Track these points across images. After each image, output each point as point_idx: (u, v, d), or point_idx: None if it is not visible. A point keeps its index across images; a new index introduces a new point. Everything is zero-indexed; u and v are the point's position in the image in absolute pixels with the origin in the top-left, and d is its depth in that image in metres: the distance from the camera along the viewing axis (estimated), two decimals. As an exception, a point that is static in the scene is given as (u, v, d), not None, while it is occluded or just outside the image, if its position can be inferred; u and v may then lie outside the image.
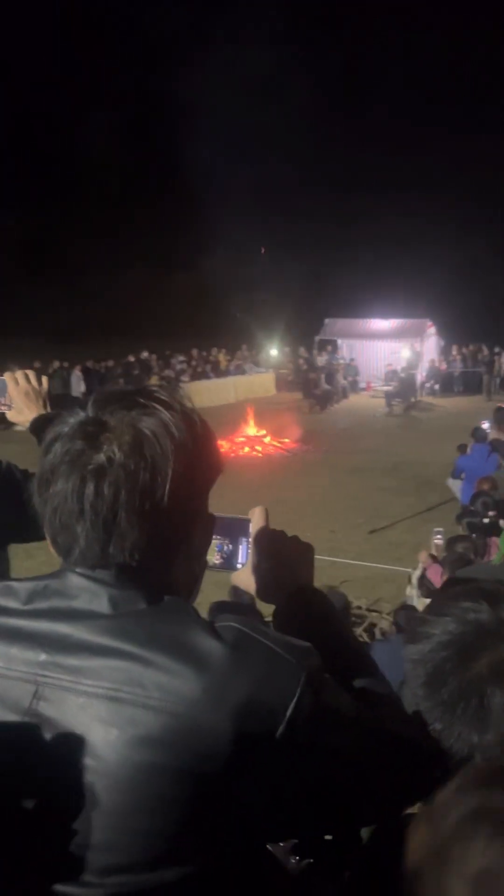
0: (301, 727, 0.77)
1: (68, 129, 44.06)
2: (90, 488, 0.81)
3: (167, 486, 0.82)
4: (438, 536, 6.92)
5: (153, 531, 0.82)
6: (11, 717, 0.79)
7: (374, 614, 6.31)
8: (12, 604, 0.84)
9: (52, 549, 0.88)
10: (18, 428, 1.92)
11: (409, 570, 7.01)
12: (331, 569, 7.48)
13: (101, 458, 0.81)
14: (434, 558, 5.82)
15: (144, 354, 23.19)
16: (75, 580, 0.83)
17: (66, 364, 20.98)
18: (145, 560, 0.83)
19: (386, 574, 7.54)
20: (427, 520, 9.10)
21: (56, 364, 20.81)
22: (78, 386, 20.10)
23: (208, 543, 0.97)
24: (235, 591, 5.07)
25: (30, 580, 0.86)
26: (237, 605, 4.89)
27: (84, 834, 0.74)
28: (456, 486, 9.38)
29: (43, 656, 0.80)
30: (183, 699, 0.74)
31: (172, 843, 0.75)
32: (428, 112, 45.86)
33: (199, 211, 37.60)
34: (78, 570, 0.84)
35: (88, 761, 0.75)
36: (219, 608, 3.65)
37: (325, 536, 8.59)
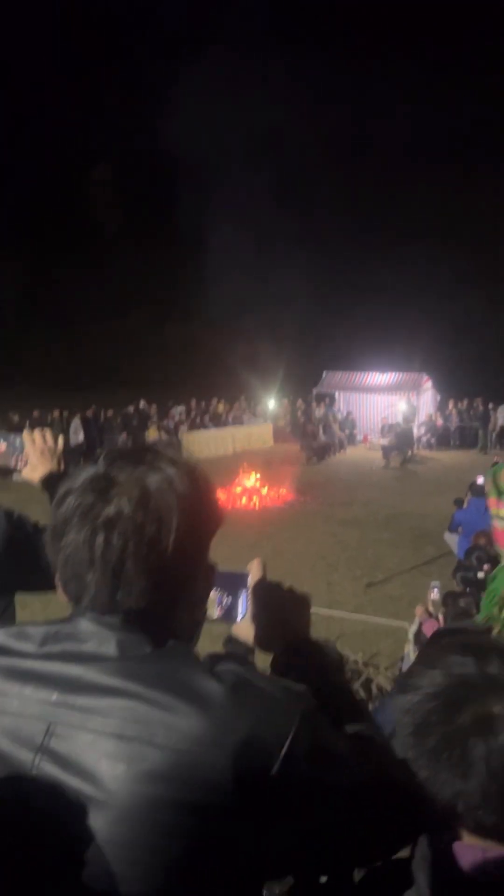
0: (296, 765, 0.81)
1: (67, 181, 45.28)
2: (100, 539, 0.86)
3: (172, 538, 0.87)
4: (435, 591, 6.89)
5: (158, 579, 0.88)
6: (25, 753, 0.83)
7: (371, 669, 6.25)
8: (27, 647, 0.89)
9: (62, 596, 0.93)
10: (17, 478, 1.98)
11: (406, 624, 6.96)
12: (328, 622, 7.43)
13: (111, 510, 0.87)
14: (430, 613, 5.80)
15: (142, 404, 23.36)
16: (85, 625, 0.88)
17: (65, 413, 21.13)
18: (151, 606, 0.88)
19: (383, 628, 7.48)
20: (424, 573, 9.07)
21: (55, 413, 20.98)
22: (77, 435, 20.19)
23: (209, 591, 1.02)
24: (230, 643, 5.05)
25: (43, 625, 0.92)
26: (232, 656, 4.85)
27: (93, 865, 0.77)
28: (453, 540, 9.38)
29: (55, 696, 0.84)
30: (186, 737, 0.79)
31: (177, 877, 0.78)
32: (424, 168, 47.26)
33: (197, 262, 38.37)
34: (88, 615, 0.89)
35: (97, 795, 0.79)
36: (212, 660, 3.64)
37: (322, 589, 8.55)
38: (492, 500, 2.20)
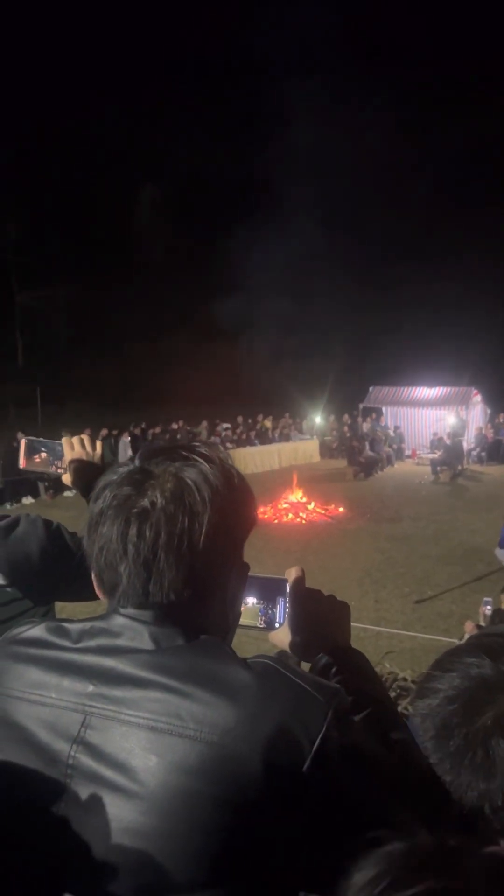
0: (327, 763, 0.80)
1: (115, 207, 46.18)
2: (133, 530, 0.88)
3: (204, 531, 0.88)
4: (488, 607, 6.74)
5: (190, 572, 0.88)
6: (62, 743, 0.84)
7: (421, 686, 6.13)
8: (65, 642, 0.91)
9: (97, 589, 0.95)
10: (67, 494, 1.98)
11: (456, 641, 6.82)
12: (376, 639, 7.33)
13: (145, 502, 0.89)
14: (481, 629, 5.66)
15: (181, 423, 23.60)
16: (120, 620, 0.90)
17: (114, 431, 21.49)
18: (182, 600, 0.89)
19: (433, 645, 7.33)
20: (475, 590, 8.88)
21: (104, 431, 21.35)
22: (125, 452, 20.51)
23: (242, 591, 1.02)
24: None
25: (79, 622, 0.93)
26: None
27: (122, 855, 0.78)
28: (503, 555, 9.18)
29: (91, 688, 0.86)
30: (217, 729, 0.79)
31: (206, 870, 0.78)
32: (470, 182, 46.70)
33: (243, 280, 38.58)
34: (122, 611, 0.90)
35: (130, 786, 0.80)
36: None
37: (370, 606, 8.44)
38: None
